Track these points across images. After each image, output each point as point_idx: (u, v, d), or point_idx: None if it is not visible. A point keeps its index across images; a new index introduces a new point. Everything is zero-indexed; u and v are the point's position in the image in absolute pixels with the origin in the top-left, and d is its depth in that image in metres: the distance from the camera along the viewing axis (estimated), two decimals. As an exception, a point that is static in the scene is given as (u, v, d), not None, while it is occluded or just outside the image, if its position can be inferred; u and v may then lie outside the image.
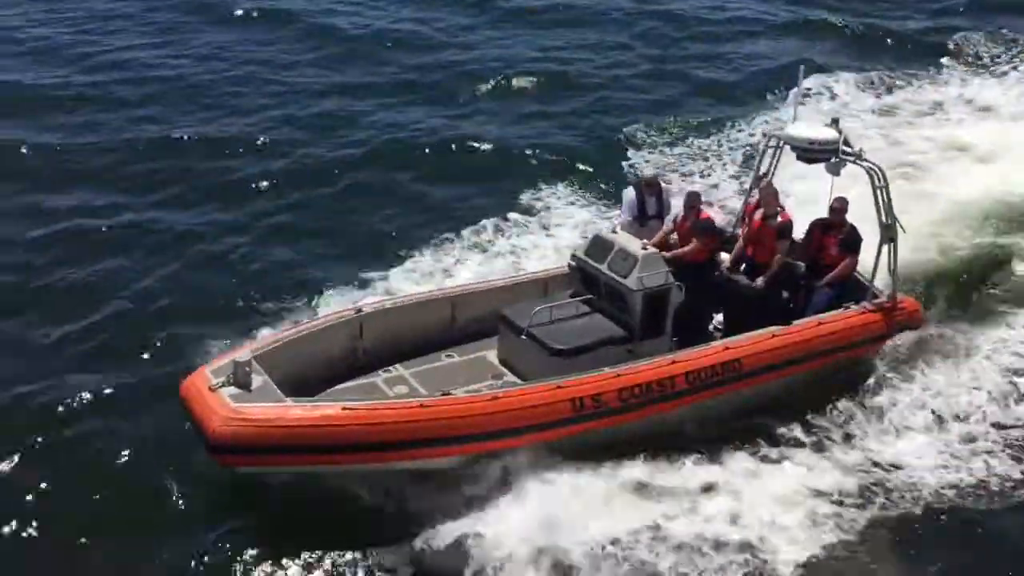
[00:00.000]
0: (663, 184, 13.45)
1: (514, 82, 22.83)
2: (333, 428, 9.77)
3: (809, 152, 12.79)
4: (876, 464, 11.70)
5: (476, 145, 19.57)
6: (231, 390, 9.99)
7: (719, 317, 13.06)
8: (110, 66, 22.82)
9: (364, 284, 14.61)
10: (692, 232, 12.36)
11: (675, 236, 12.66)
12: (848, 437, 12.05)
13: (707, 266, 12.58)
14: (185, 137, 19.42)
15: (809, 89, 21.87)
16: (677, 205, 12.88)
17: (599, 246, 12.14)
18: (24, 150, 18.60)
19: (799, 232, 13.05)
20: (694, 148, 20.01)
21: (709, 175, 18.79)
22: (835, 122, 13.02)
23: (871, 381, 12.63)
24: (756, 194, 13.47)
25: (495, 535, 9.85)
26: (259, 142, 19.43)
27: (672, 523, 10.43)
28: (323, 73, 23.18)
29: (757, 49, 25.91)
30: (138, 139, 19.32)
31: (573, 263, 12.43)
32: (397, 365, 11.92)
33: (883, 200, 12.79)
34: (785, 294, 12.84)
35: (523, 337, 11.56)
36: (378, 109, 21.30)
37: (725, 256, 12.98)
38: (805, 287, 12.98)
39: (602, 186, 18.01)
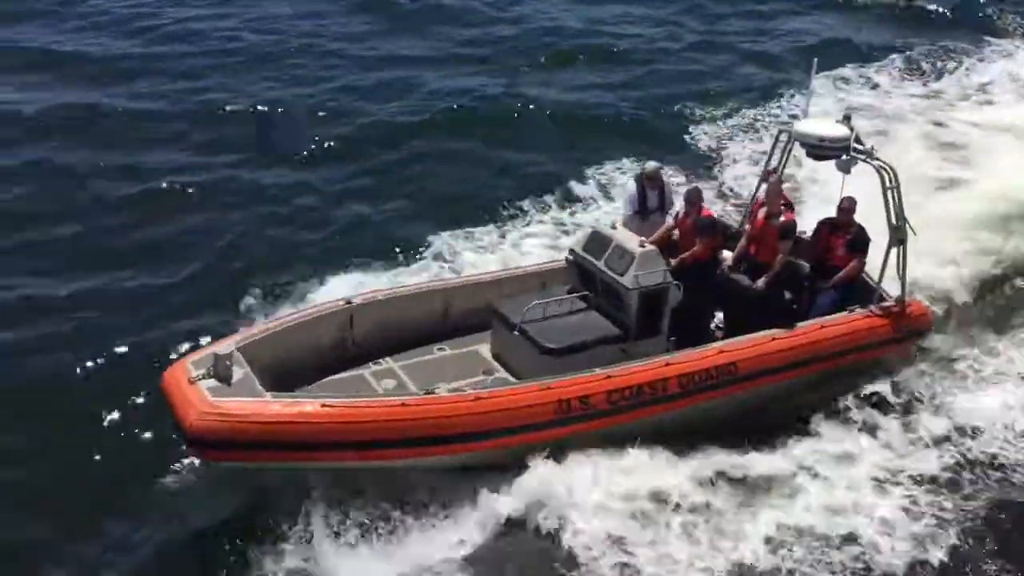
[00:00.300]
0: (665, 178, 13.10)
1: (566, 53, 23.52)
2: (311, 425, 9.61)
3: (818, 149, 12.43)
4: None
5: (536, 114, 20.19)
6: (211, 383, 9.85)
7: (721, 316, 12.78)
8: (169, 38, 23.33)
9: (427, 245, 15.30)
10: (693, 230, 12.06)
11: (676, 233, 12.40)
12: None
13: (709, 264, 12.27)
14: (248, 106, 19.87)
15: (845, 77, 22.17)
16: (680, 199, 12.57)
17: (596, 242, 11.87)
18: (96, 115, 19.07)
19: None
20: (745, 120, 20.47)
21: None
22: (847, 119, 12.64)
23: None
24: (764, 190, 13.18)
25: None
26: (319, 110, 20.05)
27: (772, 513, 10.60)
28: (377, 44, 23.75)
29: (803, 27, 26.26)
30: (201, 107, 19.87)
31: (570, 258, 12.17)
32: (387, 358, 11.74)
33: (893, 200, 12.40)
34: (788, 295, 12.52)
35: (515, 333, 11.34)
36: (435, 79, 21.82)
37: (728, 254, 12.66)
38: (810, 288, 12.65)
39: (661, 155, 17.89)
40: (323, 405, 9.75)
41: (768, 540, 10.34)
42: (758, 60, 24.16)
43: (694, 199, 12.18)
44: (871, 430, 11.93)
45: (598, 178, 17.92)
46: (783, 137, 13.22)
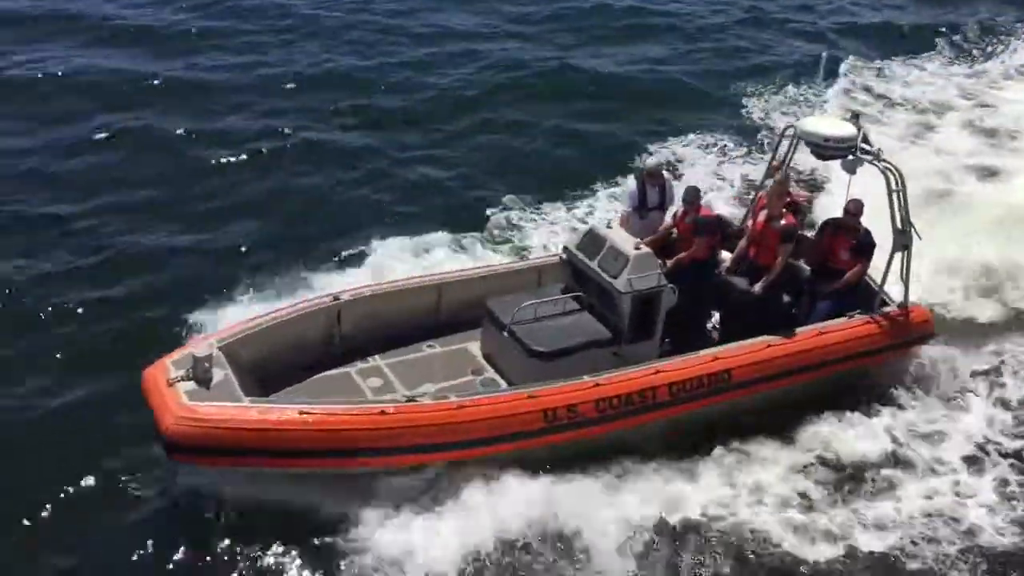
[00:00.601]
0: (666, 174, 12.75)
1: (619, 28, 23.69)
2: (288, 432, 9.43)
3: (823, 149, 12.05)
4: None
5: (593, 86, 20.61)
6: (189, 385, 9.67)
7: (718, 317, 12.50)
8: (229, 12, 23.43)
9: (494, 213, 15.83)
10: (692, 230, 11.74)
11: (676, 232, 12.09)
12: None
13: (707, 265, 11.99)
14: (312, 74, 20.22)
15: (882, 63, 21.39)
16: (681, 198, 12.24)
17: (591, 241, 11.56)
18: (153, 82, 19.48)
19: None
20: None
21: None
22: (856, 117, 12.28)
23: None
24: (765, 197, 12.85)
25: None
26: (382, 82, 20.34)
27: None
28: (433, 19, 23.81)
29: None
30: (265, 79, 20.12)
31: (564, 256, 11.88)
32: (376, 356, 11.53)
33: (899, 203, 12.03)
34: (787, 298, 12.20)
35: (505, 334, 11.10)
36: (490, 51, 22.02)
37: (727, 255, 12.34)
38: (810, 292, 12.32)
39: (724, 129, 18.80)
40: (301, 412, 9.55)
41: (868, 526, 10.57)
42: (806, 37, 23.44)
43: (692, 198, 11.86)
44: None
45: (665, 151, 18.22)
46: (789, 132, 12.84)
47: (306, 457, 9.56)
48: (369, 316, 11.58)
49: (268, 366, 10.80)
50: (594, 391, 10.50)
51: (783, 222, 11.68)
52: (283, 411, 9.56)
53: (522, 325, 11.07)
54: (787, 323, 11.88)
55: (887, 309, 12.32)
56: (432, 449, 9.87)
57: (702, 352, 11.31)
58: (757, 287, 11.64)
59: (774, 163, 13.22)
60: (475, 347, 11.82)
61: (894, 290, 12.46)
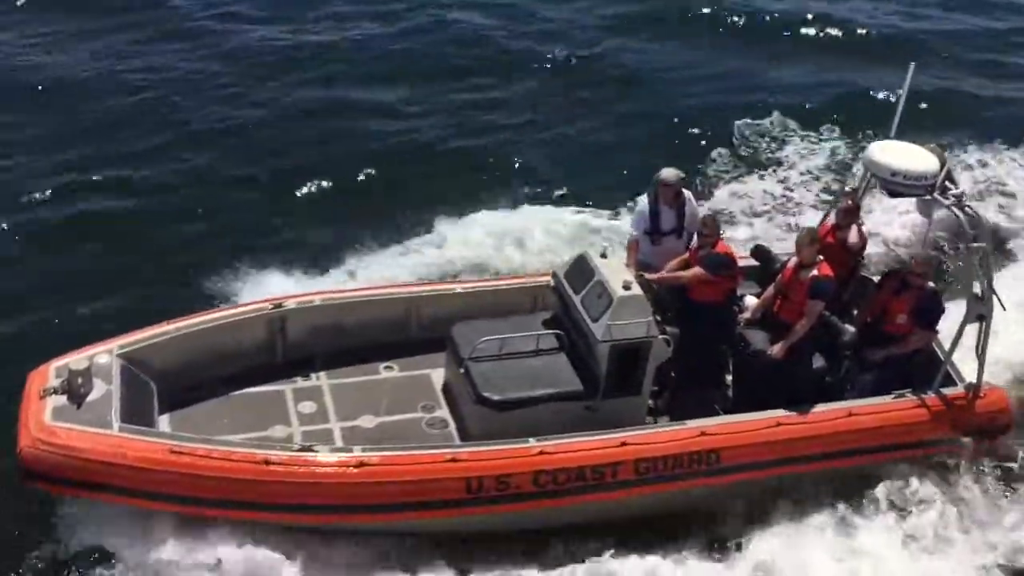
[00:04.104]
0: (687, 191, 10.48)
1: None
2: (150, 472, 8.13)
3: (892, 185, 9.64)
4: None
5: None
6: (59, 400, 8.50)
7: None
8: None
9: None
10: (702, 267, 9.61)
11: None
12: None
13: (723, 311, 9.84)
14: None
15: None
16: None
17: (578, 271, 9.66)
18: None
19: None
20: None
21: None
22: (941, 148, 9.75)
23: None
24: (833, 216, 10.57)
25: None
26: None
27: None
28: None
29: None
30: None
31: (552, 284, 10.01)
32: (321, 373, 10.09)
33: (981, 265, 9.52)
34: (822, 363, 9.87)
35: (461, 370, 9.41)
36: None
37: (751, 301, 10.14)
38: (855, 358, 10.01)
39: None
40: (172, 451, 8.22)
41: None
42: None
43: (707, 228, 9.67)
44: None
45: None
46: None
47: (170, 502, 8.26)
48: (322, 328, 10.14)
49: (188, 376, 9.55)
50: (535, 460, 8.71)
51: (815, 272, 9.38)
52: (153, 446, 8.25)
53: (480, 362, 9.34)
54: (815, 395, 9.67)
55: (951, 390, 9.90)
56: (319, 511, 8.38)
57: (690, 423, 9.28)
58: (775, 349, 9.45)
59: (847, 190, 10.85)
60: (438, 376, 10.19)
61: (967, 369, 10.02)
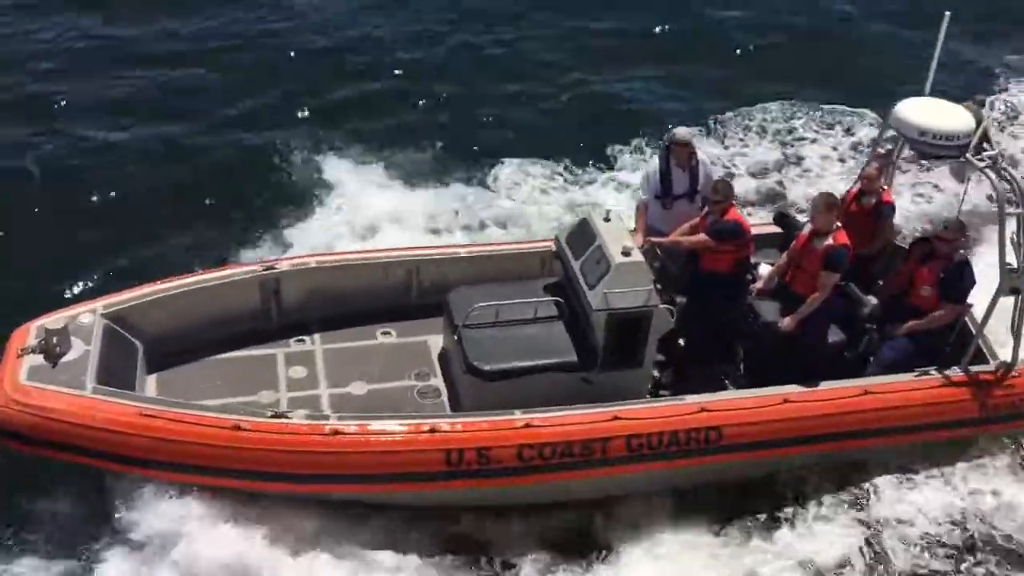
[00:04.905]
0: (700, 152, 9.82)
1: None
2: (119, 435, 7.94)
3: (922, 146, 8.88)
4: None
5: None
6: (36, 359, 8.36)
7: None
8: None
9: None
10: (707, 234, 9.02)
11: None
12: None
13: (732, 280, 9.22)
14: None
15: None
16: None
17: (580, 235, 9.16)
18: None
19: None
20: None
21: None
22: (979, 105, 8.94)
23: None
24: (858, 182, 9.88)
25: None
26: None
27: None
28: None
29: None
30: None
31: (554, 248, 9.53)
32: (316, 337, 9.82)
33: (1017, 235, 8.72)
34: (841, 337, 9.22)
35: (455, 336, 9.03)
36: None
37: (765, 270, 9.51)
38: (877, 331, 9.33)
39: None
40: (142, 414, 8.02)
41: None
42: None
43: (718, 194, 9.03)
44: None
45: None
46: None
47: (140, 466, 8.06)
48: (317, 291, 9.83)
49: (179, 338, 9.34)
50: (521, 433, 8.30)
51: (830, 241, 8.71)
52: (122, 409, 8.06)
53: (474, 328, 8.95)
54: (831, 372, 9.04)
55: (981, 368, 9.17)
56: (290, 479, 8.11)
57: (689, 399, 8.75)
58: (785, 322, 8.85)
59: (878, 150, 10.08)
60: (436, 342, 9.83)
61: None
